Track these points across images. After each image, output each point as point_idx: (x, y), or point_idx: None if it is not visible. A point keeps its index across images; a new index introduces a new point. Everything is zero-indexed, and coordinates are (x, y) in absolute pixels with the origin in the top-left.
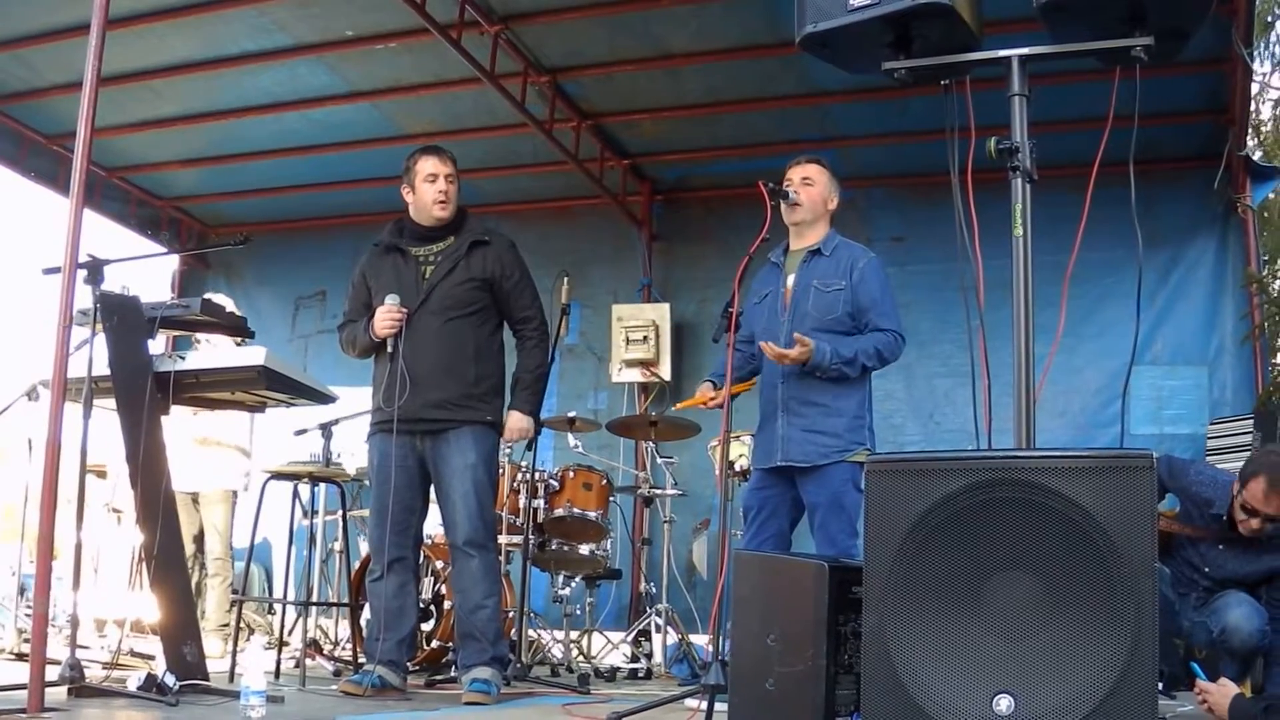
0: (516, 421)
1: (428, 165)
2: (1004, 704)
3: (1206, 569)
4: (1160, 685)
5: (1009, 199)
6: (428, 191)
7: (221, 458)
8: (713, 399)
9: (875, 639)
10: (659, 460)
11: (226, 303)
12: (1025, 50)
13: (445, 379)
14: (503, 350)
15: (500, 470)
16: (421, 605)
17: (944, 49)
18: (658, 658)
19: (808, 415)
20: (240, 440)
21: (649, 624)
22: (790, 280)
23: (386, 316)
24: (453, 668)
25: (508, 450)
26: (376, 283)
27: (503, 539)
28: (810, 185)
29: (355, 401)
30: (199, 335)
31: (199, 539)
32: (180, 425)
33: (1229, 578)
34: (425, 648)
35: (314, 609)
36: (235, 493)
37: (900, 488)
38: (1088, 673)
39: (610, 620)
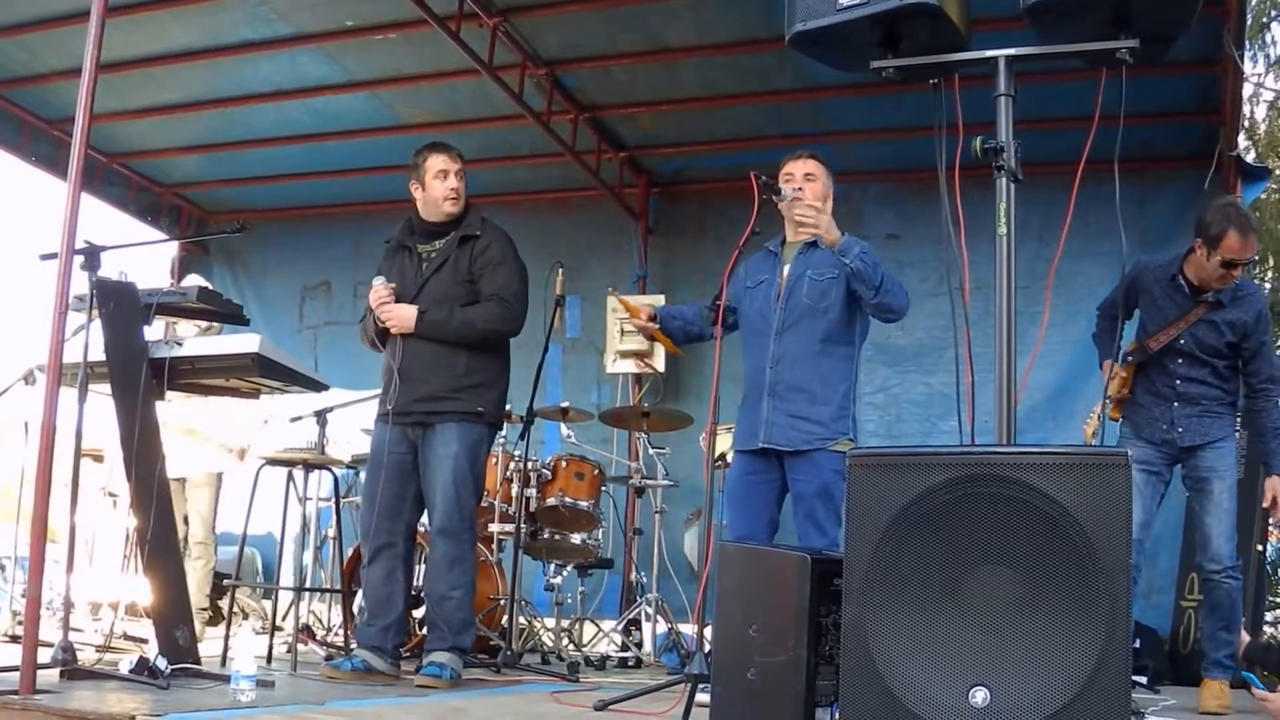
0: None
1: (438, 162)
2: (980, 696)
3: (1180, 359)
4: (1145, 679)
5: None
6: (438, 188)
7: (207, 447)
8: (644, 325)
9: (854, 631)
10: (651, 451)
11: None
12: (1011, 51)
13: (433, 374)
14: (502, 343)
15: (494, 459)
16: (414, 593)
17: (932, 48)
18: (647, 647)
19: (794, 401)
20: (226, 436)
21: (639, 613)
22: (786, 270)
23: (375, 297)
24: None
25: (502, 439)
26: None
27: (495, 527)
28: (813, 181)
29: (350, 391)
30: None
31: (187, 522)
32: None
33: (1204, 352)
34: (416, 634)
35: (307, 594)
36: (220, 476)
37: (881, 481)
38: (1063, 666)
39: (606, 609)
